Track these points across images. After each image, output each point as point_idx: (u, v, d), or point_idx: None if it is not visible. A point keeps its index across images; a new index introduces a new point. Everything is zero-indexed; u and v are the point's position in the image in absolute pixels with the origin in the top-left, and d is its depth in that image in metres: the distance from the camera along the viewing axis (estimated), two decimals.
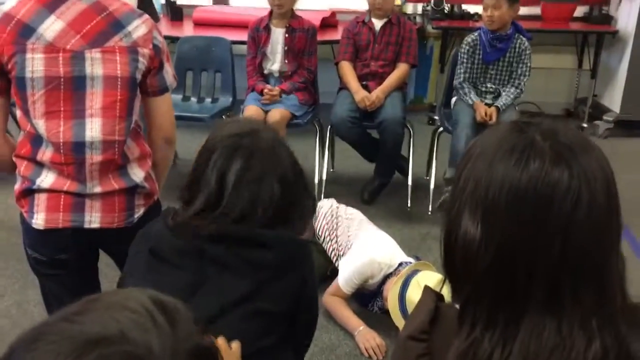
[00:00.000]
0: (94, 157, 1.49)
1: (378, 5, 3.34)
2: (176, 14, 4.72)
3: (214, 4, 4.95)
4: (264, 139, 1.24)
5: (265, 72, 3.51)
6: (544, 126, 0.78)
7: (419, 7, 5.01)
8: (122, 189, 1.55)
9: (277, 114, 3.30)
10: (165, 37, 4.22)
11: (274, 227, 1.21)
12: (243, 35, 3.64)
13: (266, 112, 3.34)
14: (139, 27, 1.52)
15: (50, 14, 1.44)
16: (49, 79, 1.44)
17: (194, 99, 3.72)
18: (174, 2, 4.78)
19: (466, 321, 0.79)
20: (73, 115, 1.46)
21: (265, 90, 3.38)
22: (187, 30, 4.44)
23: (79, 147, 1.47)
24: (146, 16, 1.57)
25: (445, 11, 4.79)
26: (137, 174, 1.58)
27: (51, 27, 1.44)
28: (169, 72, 1.61)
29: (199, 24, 4.51)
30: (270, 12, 3.45)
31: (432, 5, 4.77)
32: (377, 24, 3.40)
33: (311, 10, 4.43)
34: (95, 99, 1.47)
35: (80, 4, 1.47)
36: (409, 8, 5.04)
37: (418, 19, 4.98)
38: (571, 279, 0.73)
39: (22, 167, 1.53)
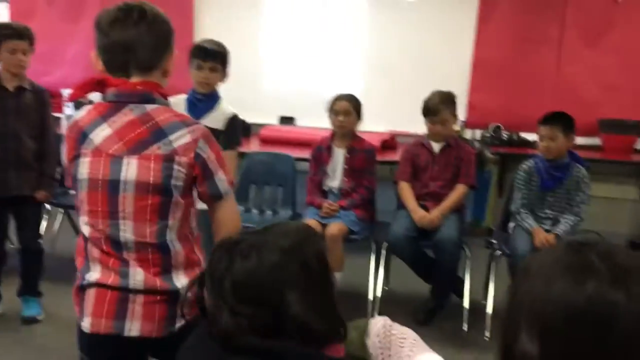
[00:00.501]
0: (130, 255, 1.56)
1: (437, 132, 3.47)
2: (244, 131, 5.02)
3: (280, 123, 5.25)
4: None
5: (325, 188, 3.64)
6: (600, 247, 0.81)
7: (478, 133, 5.15)
8: (165, 290, 1.57)
9: (335, 228, 3.37)
10: None
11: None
12: (306, 153, 3.82)
13: (324, 225, 3.43)
14: (182, 137, 1.55)
15: (103, 122, 1.57)
16: (92, 180, 1.55)
17: (255, 211, 3.86)
18: (244, 121, 5.09)
19: None
20: (109, 216, 1.55)
21: (325, 205, 3.48)
22: (254, 147, 4.69)
23: (116, 244, 1.56)
24: (197, 127, 1.59)
25: (504, 138, 4.90)
26: (181, 280, 1.59)
27: (100, 133, 1.56)
28: (222, 179, 1.62)
29: (265, 141, 4.77)
30: (333, 133, 3.64)
31: (491, 132, 4.90)
32: (436, 146, 3.52)
33: (372, 132, 4.63)
34: (127, 202, 1.54)
35: (130, 115, 1.56)
36: (468, 134, 5.18)
37: (477, 145, 5.09)
38: None
39: (78, 263, 1.64)
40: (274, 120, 5.26)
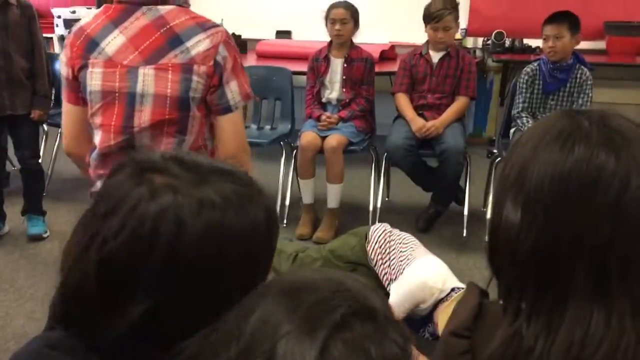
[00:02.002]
0: None
1: (440, 39, 3.36)
2: (240, 47, 4.89)
3: (276, 37, 5.12)
4: None
5: (324, 100, 3.58)
6: (595, 113, 0.77)
7: (479, 41, 5.02)
8: None
9: (333, 139, 3.35)
10: None
11: None
12: (303, 67, 3.74)
13: (323, 138, 3.40)
14: (200, 43, 1.46)
15: (114, 29, 1.48)
16: (105, 93, 1.48)
17: (254, 126, 3.83)
18: (239, 36, 4.97)
19: (509, 310, 0.78)
20: (121, 131, 1.49)
21: (323, 117, 3.44)
22: (250, 62, 4.60)
23: None
24: (216, 29, 1.49)
25: (506, 45, 4.78)
26: None
27: (113, 42, 1.48)
28: (233, 90, 1.52)
29: (262, 56, 4.67)
30: (330, 43, 3.54)
31: (493, 39, 4.77)
32: (435, 56, 3.41)
33: (371, 44, 4.51)
34: (143, 117, 1.48)
35: (143, 19, 1.47)
36: (469, 42, 5.06)
37: (478, 53, 4.98)
38: (620, 267, 0.71)
39: (90, 171, 1.62)
40: (270, 35, 5.13)
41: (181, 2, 1.52)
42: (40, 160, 3.36)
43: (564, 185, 0.72)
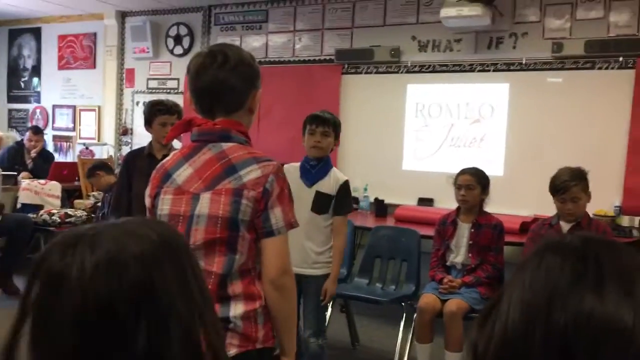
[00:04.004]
0: None
1: (568, 211, 3.23)
2: (381, 210, 5.10)
3: (418, 204, 5.24)
4: None
5: (448, 264, 3.53)
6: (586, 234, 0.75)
7: (636, 220, 4.68)
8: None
9: (453, 304, 3.24)
10: (365, 229, 4.48)
11: None
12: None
13: (444, 302, 3.30)
14: (252, 172, 1.61)
15: (185, 163, 1.69)
16: (172, 216, 1.66)
17: (379, 285, 3.85)
18: (382, 201, 5.19)
19: None
20: None
21: (445, 280, 3.37)
22: (388, 224, 4.72)
23: None
24: (269, 162, 1.63)
25: None
26: (237, 309, 1.60)
27: (182, 173, 1.68)
28: (277, 215, 1.61)
29: (399, 220, 4.78)
30: (458, 208, 3.57)
31: None
32: (565, 226, 3.26)
33: (514, 215, 4.44)
34: (197, 235, 1.62)
35: (209, 153, 1.67)
36: (625, 220, 4.73)
37: (635, 233, 4.62)
38: None
39: None
40: (413, 202, 5.28)
41: (242, 141, 1.69)
42: None
43: None
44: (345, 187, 2.98)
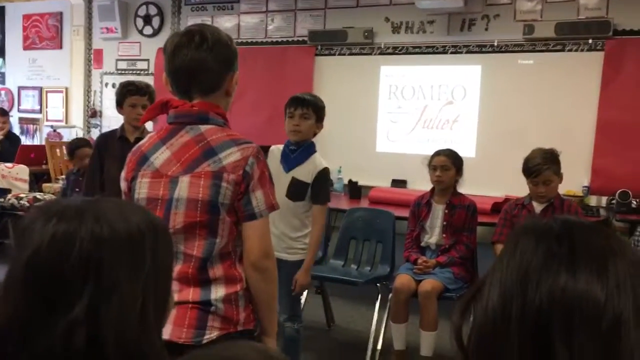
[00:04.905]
0: (175, 266, 1.56)
1: (540, 194, 3.28)
2: (355, 192, 5.12)
3: (392, 186, 5.27)
4: None
5: (422, 244, 3.56)
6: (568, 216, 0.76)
7: (604, 200, 4.79)
8: (196, 301, 1.58)
9: (428, 284, 3.27)
10: (339, 210, 4.48)
11: None
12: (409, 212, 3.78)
13: (418, 282, 3.34)
14: (232, 154, 1.59)
15: (162, 146, 1.66)
16: (150, 199, 1.64)
17: (354, 266, 3.87)
18: (356, 183, 5.20)
19: None
20: None
21: (420, 260, 3.41)
22: (361, 206, 4.74)
23: None
24: (248, 145, 1.61)
25: (633, 205, 4.50)
26: (218, 292, 1.60)
27: (160, 156, 1.65)
28: (259, 198, 1.61)
29: (373, 201, 4.81)
30: (432, 189, 3.60)
31: (618, 198, 4.54)
32: (538, 207, 3.33)
33: (487, 196, 4.49)
34: (177, 219, 1.60)
35: (186, 136, 1.64)
36: (593, 200, 4.84)
37: (602, 212, 4.73)
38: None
39: None
40: (386, 183, 5.30)
41: (220, 123, 1.67)
42: None
43: None
44: (322, 175, 2.88)
